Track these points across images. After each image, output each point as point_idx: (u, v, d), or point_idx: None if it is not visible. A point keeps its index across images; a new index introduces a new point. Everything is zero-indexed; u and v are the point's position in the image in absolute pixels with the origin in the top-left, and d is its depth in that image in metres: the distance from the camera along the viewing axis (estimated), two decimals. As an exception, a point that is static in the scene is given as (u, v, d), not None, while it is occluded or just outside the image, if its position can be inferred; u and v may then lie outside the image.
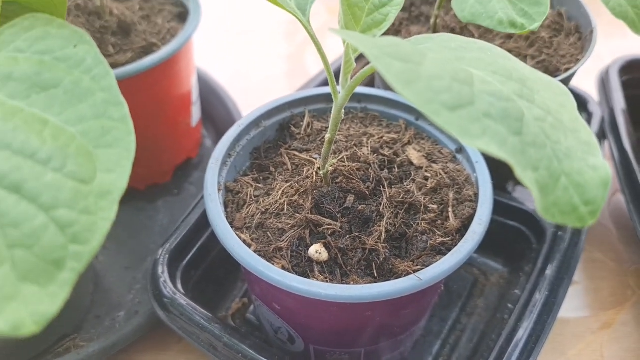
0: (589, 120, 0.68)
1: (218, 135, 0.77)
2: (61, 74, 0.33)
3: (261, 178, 0.50)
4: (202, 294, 0.57)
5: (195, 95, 0.72)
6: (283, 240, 0.44)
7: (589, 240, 0.70)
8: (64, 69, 0.33)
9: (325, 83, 0.72)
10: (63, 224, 0.29)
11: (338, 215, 0.45)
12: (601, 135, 0.67)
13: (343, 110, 0.42)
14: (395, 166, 0.49)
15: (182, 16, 0.69)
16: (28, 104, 0.32)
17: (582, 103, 0.70)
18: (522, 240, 0.61)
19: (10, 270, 0.28)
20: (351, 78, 0.41)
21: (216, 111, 0.77)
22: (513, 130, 0.28)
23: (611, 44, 0.66)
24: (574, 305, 0.64)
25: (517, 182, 0.66)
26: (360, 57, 0.62)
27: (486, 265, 0.64)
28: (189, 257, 0.56)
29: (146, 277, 0.63)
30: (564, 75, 0.56)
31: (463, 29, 0.59)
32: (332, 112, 0.42)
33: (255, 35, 1.04)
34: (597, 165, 0.30)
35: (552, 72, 0.58)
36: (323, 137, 0.52)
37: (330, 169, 0.46)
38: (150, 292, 0.52)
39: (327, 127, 0.53)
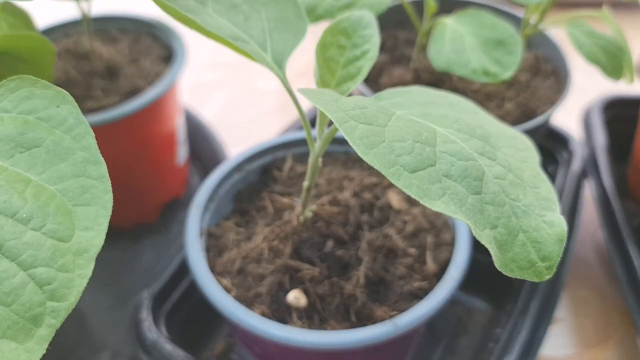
0: (569, 159, 0.70)
1: (206, 173, 0.78)
2: (44, 133, 0.34)
3: (243, 222, 0.51)
4: (187, 336, 0.58)
5: (181, 135, 0.73)
6: (263, 286, 0.45)
7: (574, 277, 0.71)
8: (47, 128, 0.34)
9: (313, 123, 0.73)
10: (41, 281, 0.30)
11: (317, 261, 0.46)
12: (583, 174, 0.69)
13: (321, 159, 0.43)
14: (375, 210, 0.51)
15: (169, 59, 0.70)
16: (11, 163, 0.33)
17: (563, 142, 0.71)
18: (504, 279, 0.62)
19: (-11, 327, 0.29)
20: (328, 127, 0.42)
21: (203, 150, 0.79)
22: (472, 189, 0.30)
23: (595, 79, 0.67)
24: (559, 342, 0.65)
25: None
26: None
27: (470, 303, 0.65)
28: (173, 299, 0.56)
29: (131, 317, 0.63)
30: (540, 118, 0.57)
31: (442, 73, 0.60)
32: (309, 160, 0.43)
33: (245, 69, 1.06)
34: (554, 221, 0.31)
35: (529, 114, 0.59)
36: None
37: (310, 213, 0.47)
38: (134, 336, 0.53)
39: (308, 171, 0.54)
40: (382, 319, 0.43)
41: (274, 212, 0.51)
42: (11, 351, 0.29)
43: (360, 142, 0.29)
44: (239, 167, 0.54)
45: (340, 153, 0.56)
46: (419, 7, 0.61)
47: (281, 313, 0.44)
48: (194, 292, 0.58)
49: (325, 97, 0.32)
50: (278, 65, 0.41)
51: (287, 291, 0.45)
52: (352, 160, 0.56)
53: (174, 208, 0.75)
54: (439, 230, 0.49)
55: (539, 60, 0.65)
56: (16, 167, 0.33)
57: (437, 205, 0.28)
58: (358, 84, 0.42)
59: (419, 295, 0.45)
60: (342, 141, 0.56)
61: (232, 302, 0.43)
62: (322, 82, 0.42)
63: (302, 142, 0.56)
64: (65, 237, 0.31)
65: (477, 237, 0.28)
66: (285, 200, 0.51)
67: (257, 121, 0.94)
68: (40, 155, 0.34)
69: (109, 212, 0.32)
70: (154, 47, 0.71)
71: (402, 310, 0.43)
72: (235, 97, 0.99)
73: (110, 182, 0.33)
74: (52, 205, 0.32)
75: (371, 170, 0.55)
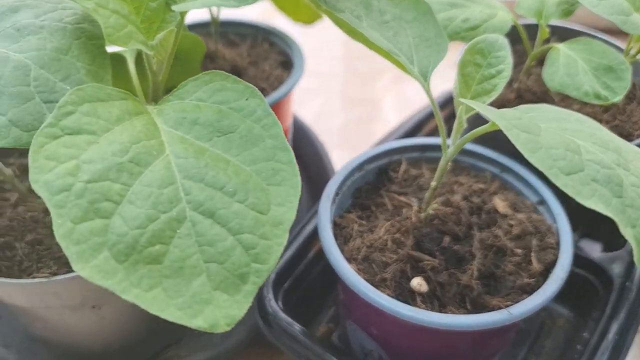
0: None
1: (304, 171, 0.85)
2: (236, 121, 0.40)
3: (364, 215, 0.57)
4: (298, 315, 0.63)
5: (290, 135, 0.79)
6: (387, 272, 0.51)
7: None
8: (239, 117, 0.40)
9: (408, 134, 0.79)
10: (247, 246, 0.36)
11: (436, 253, 0.51)
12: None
13: (450, 163, 0.49)
14: (483, 213, 0.56)
15: (285, 64, 0.77)
16: (211, 145, 0.39)
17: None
18: (588, 288, 0.67)
19: (206, 279, 0.35)
20: (460, 136, 0.48)
21: (304, 149, 0.85)
22: (615, 193, 0.35)
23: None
24: (637, 352, 0.69)
25: (582, 235, 0.71)
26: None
27: (553, 309, 0.69)
28: (289, 281, 0.62)
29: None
30: (636, 141, 0.62)
31: (544, 94, 0.65)
32: (440, 163, 0.49)
33: (338, 79, 1.12)
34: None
35: (625, 136, 0.64)
36: (418, 183, 0.59)
37: (432, 211, 0.53)
38: (256, 309, 0.59)
39: (421, 174, 0.60)
40: (498, 308, 0.48)
41: (392, 209, 0.56)
42: (224, 301, 0.34)
43: (525, 147, 0.34)
44: (360, 166, 0.59)
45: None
46: (529, 31, 0.66)
47: (404, 297, 0.50)
48: (306, 278, 0.64)
49: (490, 109, 0.37)
50: (423, 77, 0.47)
51: (408, 278, 0.50)
52: (459, 167, 0.61)
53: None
54: (543, 234, 0.54)
55: (636, 87, 0.69)
56: (215, 148, 0.39)
57: (588, 203, 0.33)
58: (492, 99, 0.47)
59: (527, 290, 0.50)
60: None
61: (365, 284, 0.48)
62: (461, 94, 0.47)
63: (414, 148, 0.62)
64: (264, 210, 0.37)
65: (623, 233, 0.33)
66: (402, 199, 0.57)
67: (348, 128, 1.00)
68: (235, 140, 0.40)
69: (299, 192, 0.38)
70: (270, 52, 0.78)
71: (514, 302, 0.48)
72: (329, 104, 1.06)
73: (297, 167, 0.39)
74: (250, 183, 0.38)
75: (477, 177, 0.60)
